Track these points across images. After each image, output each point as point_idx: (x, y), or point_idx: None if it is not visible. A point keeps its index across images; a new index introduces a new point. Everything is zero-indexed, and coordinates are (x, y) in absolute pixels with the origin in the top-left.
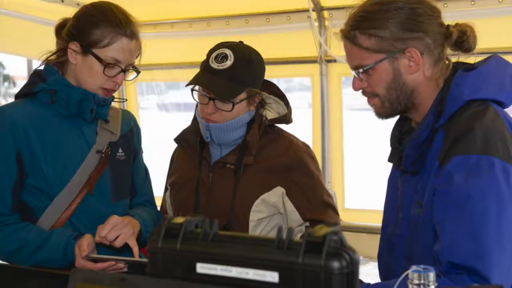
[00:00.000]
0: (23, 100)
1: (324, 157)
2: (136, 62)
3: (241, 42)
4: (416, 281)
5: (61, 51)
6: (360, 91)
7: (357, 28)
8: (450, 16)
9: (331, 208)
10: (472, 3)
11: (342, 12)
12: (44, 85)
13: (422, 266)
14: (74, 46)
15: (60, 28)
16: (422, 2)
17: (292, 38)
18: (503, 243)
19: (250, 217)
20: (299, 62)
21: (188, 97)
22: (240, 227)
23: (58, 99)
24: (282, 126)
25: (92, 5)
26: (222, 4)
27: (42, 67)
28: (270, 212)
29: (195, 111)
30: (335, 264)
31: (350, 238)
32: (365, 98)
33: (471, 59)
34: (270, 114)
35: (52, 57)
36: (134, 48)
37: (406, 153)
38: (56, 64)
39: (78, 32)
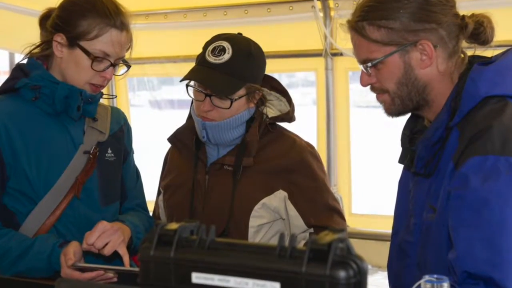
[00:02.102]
0: (5, 97)
1: (329, 158)
2: (127, 55)
3: (240, 34)
4: None
5: (46, 43)
6: (369, 87)
7: (365, 19)
8: (465, 6)
9: (337, 213)
10: None
11: (349, 1)
12: (27, 80)
13: (435, 275)
14: (59, 38)
15: (45, 19)
16: None
17: (295, 30)
18: None
19: (250, 222)
20: (302, 55)
21: (182, 93)
22: (239, 233)
23: (42, 96)
24: (284, 124)
25: None
26: None
27: (25, 61)
28: (271, 217)
29: (190, 108)
30: (342, 274)
31: (358, 246)
32: (373, 95)
33: (489, 52)
34: (271, 111)
35: (36, 50)
36: (124, 41)
37: (418, 154)
38: (41, 57)
39: (63, 23)
